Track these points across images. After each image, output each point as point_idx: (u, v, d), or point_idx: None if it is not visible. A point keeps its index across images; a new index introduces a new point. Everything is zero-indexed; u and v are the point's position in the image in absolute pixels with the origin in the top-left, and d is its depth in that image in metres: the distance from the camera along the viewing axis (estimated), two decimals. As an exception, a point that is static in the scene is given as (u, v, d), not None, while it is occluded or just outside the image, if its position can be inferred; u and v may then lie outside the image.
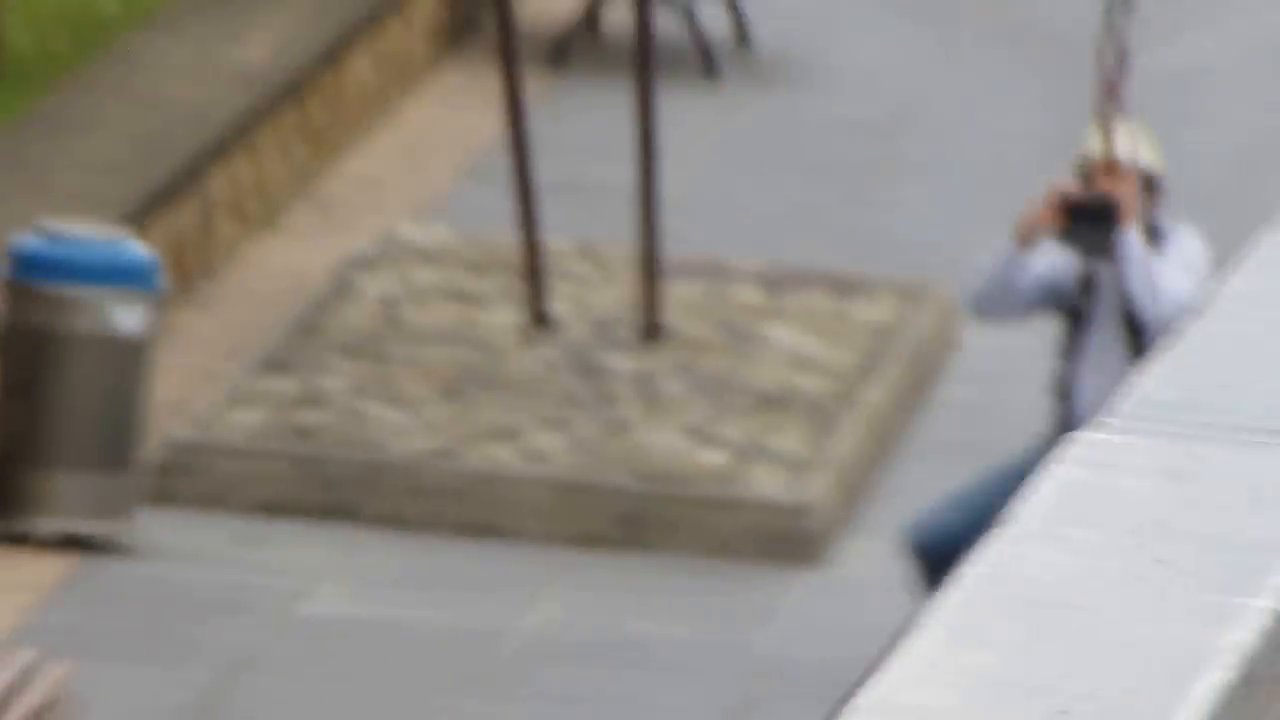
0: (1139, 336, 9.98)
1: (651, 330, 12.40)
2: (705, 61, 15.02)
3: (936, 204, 13.96)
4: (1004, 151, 13.44)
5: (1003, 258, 10.12)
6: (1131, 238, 10.04)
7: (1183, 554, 2.18)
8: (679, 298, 12.45)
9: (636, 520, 11.45)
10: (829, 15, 16.05)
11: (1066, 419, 9.73)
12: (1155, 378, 2.73)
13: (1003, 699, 1.77)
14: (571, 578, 11.58)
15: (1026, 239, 10.02)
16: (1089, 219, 9.81)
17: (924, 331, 12.71)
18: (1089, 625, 1.98)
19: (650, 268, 12.14)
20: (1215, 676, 1.84)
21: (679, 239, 12.31)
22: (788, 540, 11.44)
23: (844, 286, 12.90)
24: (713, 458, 11.59)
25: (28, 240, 11.21)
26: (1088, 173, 9.90)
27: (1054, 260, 10.11)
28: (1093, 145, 9.92)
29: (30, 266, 11.08)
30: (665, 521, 11.38)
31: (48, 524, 11.12)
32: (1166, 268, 10.13)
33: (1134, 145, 10.00)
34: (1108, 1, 10.07)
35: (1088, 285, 10.17)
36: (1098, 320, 10.16)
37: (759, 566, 11.56)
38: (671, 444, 11.84)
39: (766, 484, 11.58)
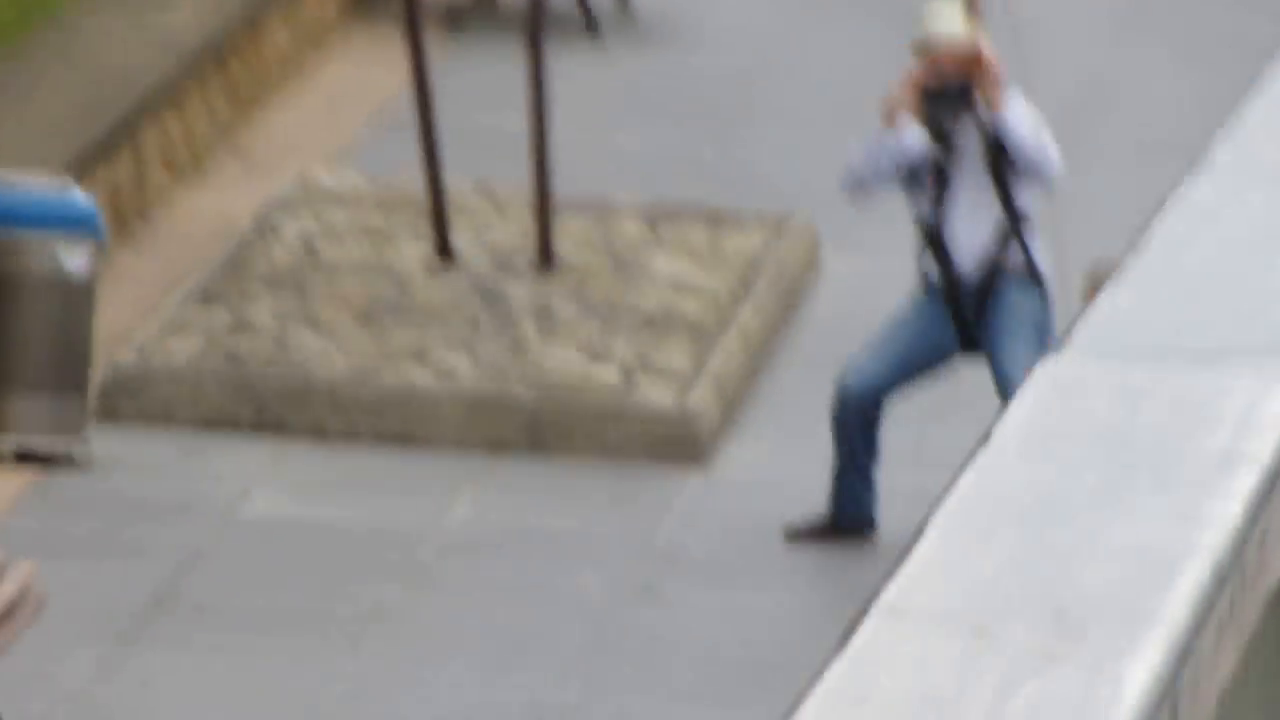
0: (1005, 186, 10.61)
1: (545, 260, 12.58)
2: (589, 22, 15.52)
3: (797, 144, 14.33)
4: (857, 95, 13.50)
5: (871, 139, 10.66)
6: (1013, 112, 10.62)
7: (1152, 465, 2.12)
8: (569, 231, 12.70)
9: (539, 429, 11.48)
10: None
11: (944, 263, 10.56)
12: (1111, 306, 2.60)
13: (1005, 601, 1.72)
14: (483, 481, 11.63)
15: (889, 120, 10.61)
16: (943, 99, 10.44)
17: (790, 258, 13.02)
18: (1075, 532, 1.92)
19: (543, 205, 12.44)
20: (1193, 574, 1.82)
21: (568, 179, 12.66)
22: (676, 444, 11.55)
23: (717, 220, 13.22)
24: (605, 373, 11.73)
25: (-20, 192, 10.68)
26: (923, 52, 10.54)
27: (914, 135, 10.63)
28: (930, 27, 10.58)
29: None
30: (565, 430, 11.47)
31: (8, 441, 11.29)
32: (1026, 124, 10.67)
33: (965, 24, 10.62)
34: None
35: (949, 148, 10.68)
36: (962, 177, 10.66)
37: (651, 468, 11.54)
38: (567, 360, 11.89)
39: (654, 395, 11.67)
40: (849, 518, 10.69)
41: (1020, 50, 12.99)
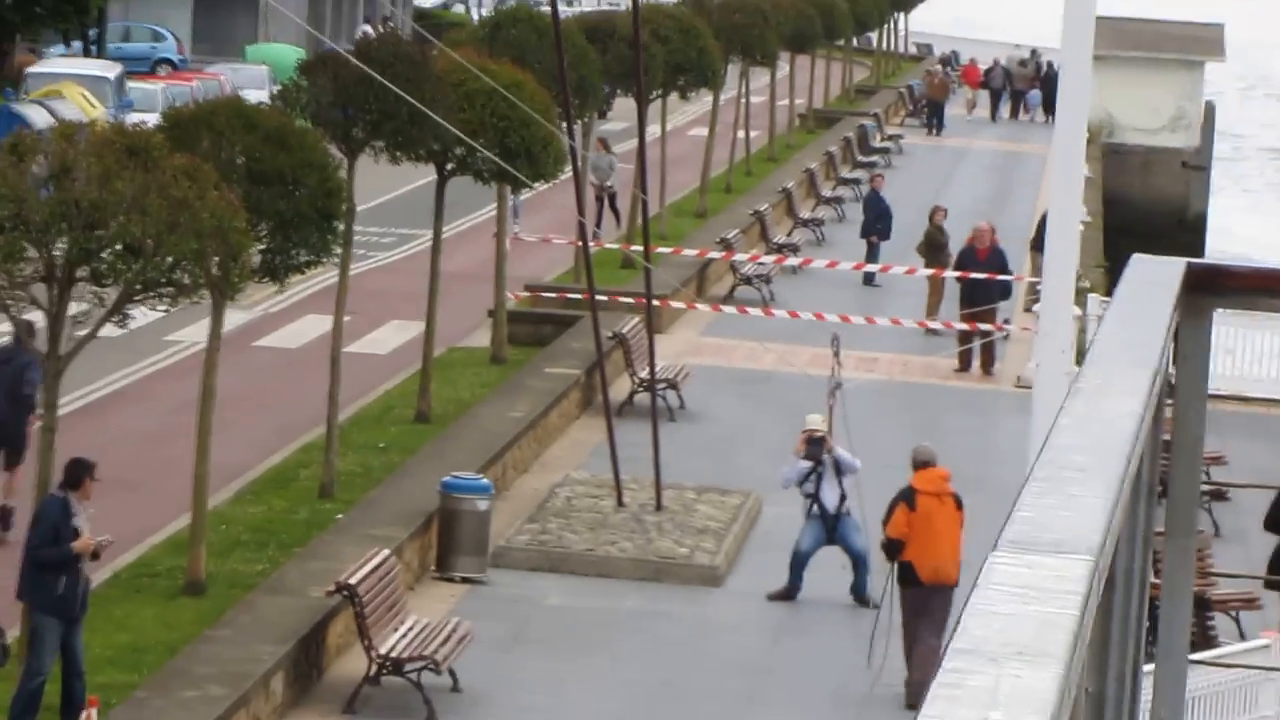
0: (840, 475, 22.98)
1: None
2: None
3: (765, 467, 25.12)
4: (788, 444, 26.04)
5: (791, 465, 23.04)
6: (839, 451, 23.06)
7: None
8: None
9: None
10: None
11: (821, 509, 22.73)
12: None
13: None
14: None
15: (797, 453, 23.15)
16: (812, 446, 22.88)
17: (753, 513, 24.06)
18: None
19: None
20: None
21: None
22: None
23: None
24: None
25: None
26: (806, 433, 22.80)
27: (803, 462, 22.89)
28: (809, 423, 22.66)
29: None
30: None
31: None
32: (846, 455, 22.77)
33: (822, 422, 23.02)
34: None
35: (817, 464, 22.91)
36: (827, 474, 22.81)
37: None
38: None
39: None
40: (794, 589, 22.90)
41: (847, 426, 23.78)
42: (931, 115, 63.55)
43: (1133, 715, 5.20)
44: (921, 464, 20.56)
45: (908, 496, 19.87)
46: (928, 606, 20.17)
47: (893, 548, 20.33)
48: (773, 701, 20.23)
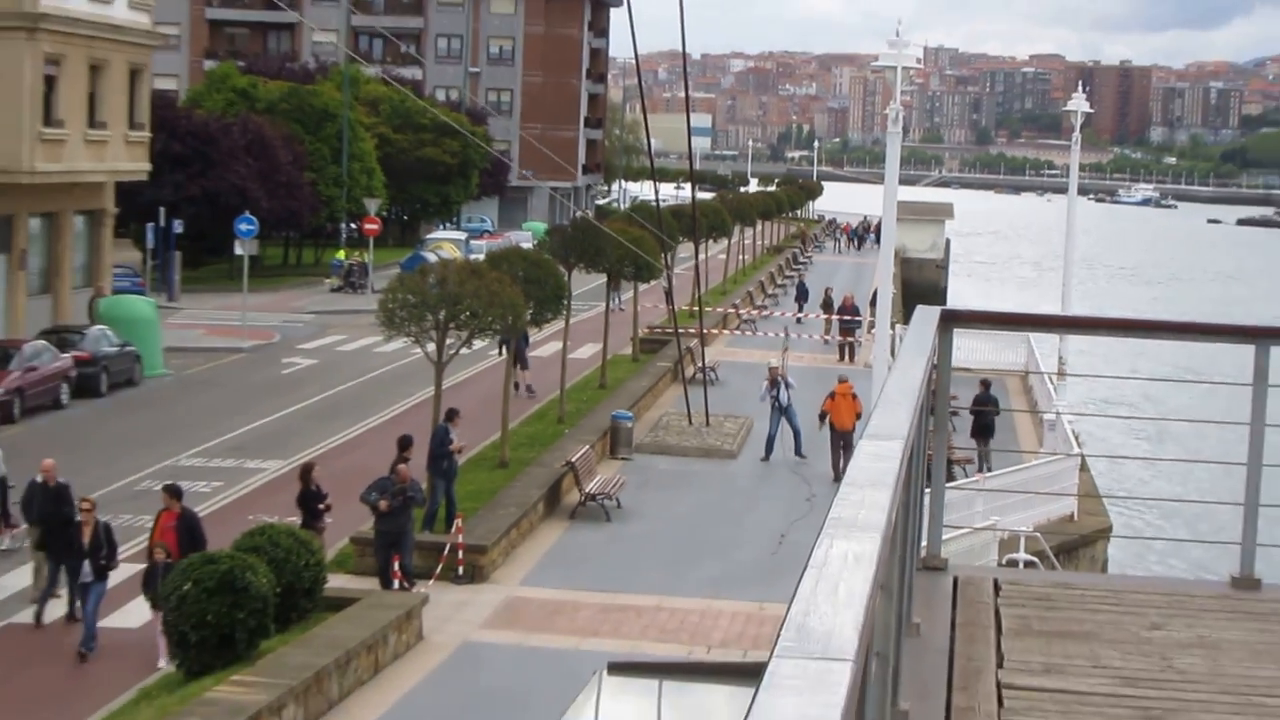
0: (785, 390, 28.95)
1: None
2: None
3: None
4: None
5: (763, 388, 29.22)
6: (787, 378, 28.62)
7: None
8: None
9: None
10: None
11: (778, 408, 28.16)
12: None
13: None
14: None
15: (766, 381, 29.40)
16: (775, 380, 31.03)
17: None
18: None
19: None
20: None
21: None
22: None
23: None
24: None
25: None
26: (772, 371, 30.14)
27: (766, 384, 29.38)
28: (771, 365, 30.05)
29: None
30: None
31: None
32: (790, 378, 29.98)
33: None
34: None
35: (775, 385, 28.75)
36: (780, 389, 28.10)
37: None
38: None
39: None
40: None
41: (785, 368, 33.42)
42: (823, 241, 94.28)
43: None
44: (840, 381, 28.64)
45: (831, 395, 28.10)
46: (839, 442, 27.19)
47: (823, 415, 27.93)
48: (763, 501, 25.95)
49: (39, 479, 19.45)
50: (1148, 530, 30.73)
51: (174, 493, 18.43)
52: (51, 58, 36.87)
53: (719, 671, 4.96)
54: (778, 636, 2.09)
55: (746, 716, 1.81)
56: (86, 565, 17.67)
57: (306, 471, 20.24)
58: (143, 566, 18.12)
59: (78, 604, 18.03)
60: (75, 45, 37.67)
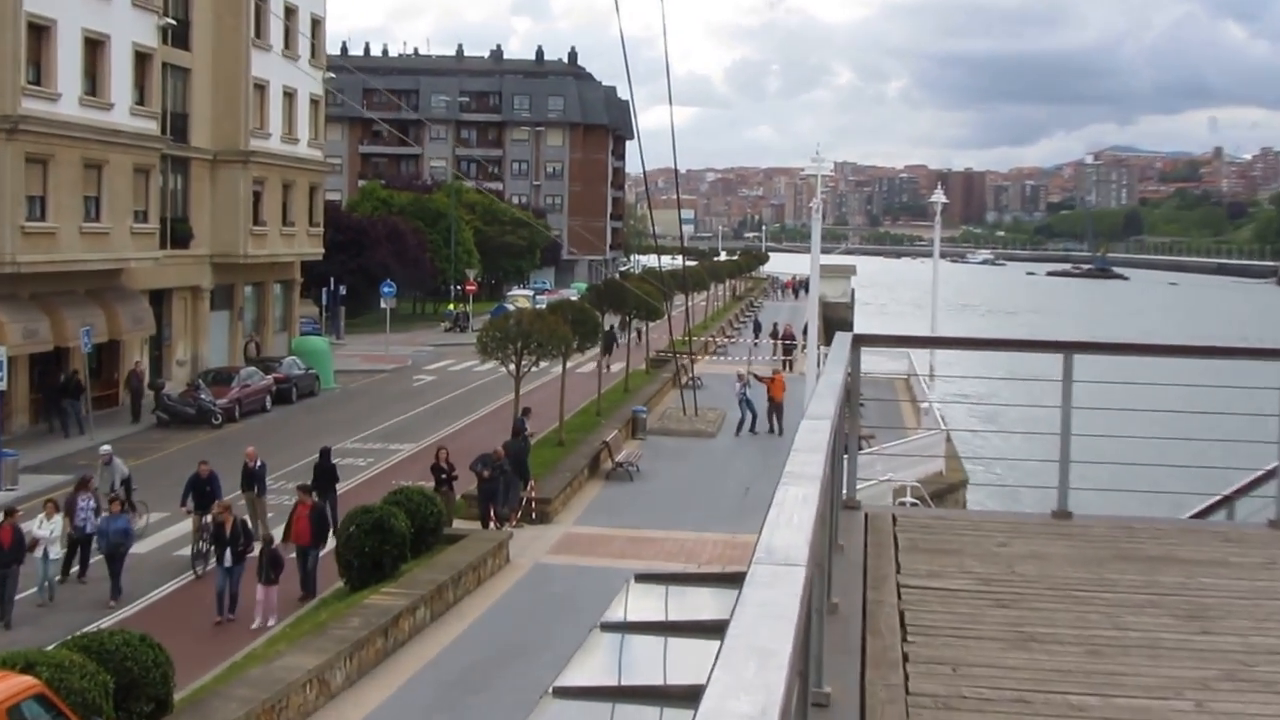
0: (749, 386, 27.72)
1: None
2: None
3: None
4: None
5: (734, 386, 28.06)
6: (750, 377, 27.72)
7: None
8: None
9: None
10: None
11: (744, 400, 26.90)
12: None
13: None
14: None
15: (737, 379, 27.98)
16: (742, 379, 27.53)
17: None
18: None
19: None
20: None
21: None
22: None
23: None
24: None
25: None
26: (740, 374, 28.47)
27: (737, 383, 28.38)
28: (740, 370, 27.80)
29: None
30: None
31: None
32: (752, 378, 27.88)
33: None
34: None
35: (744, 382, 27.59)
36: (747, 386, 27.46)
37: None
38: None
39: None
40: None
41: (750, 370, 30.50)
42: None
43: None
44: (775, 372, 28.56)
45: (771, 379, 27.64)
46: (773, 407, 27.08)
47: (767, 391, 27.68)
48: (734, 465, 24.73)
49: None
50: (993, 480, 29.81)
51: (306, 490, 17.12)
52: (258, 179, 37.97)
53: (709, 578, 5.00)
54: (754, 551, 2.03)
55: (735, 605, 1.75)
56: (228, 552, 15.67)
57: (438, 453, 19.85)
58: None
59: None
60: (273, 171, 38.84)
